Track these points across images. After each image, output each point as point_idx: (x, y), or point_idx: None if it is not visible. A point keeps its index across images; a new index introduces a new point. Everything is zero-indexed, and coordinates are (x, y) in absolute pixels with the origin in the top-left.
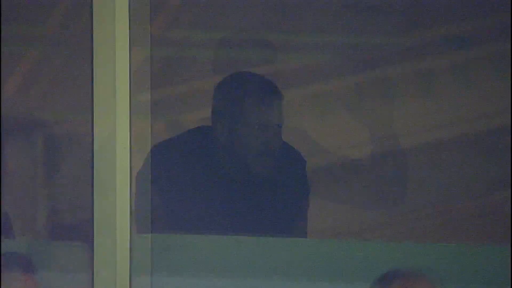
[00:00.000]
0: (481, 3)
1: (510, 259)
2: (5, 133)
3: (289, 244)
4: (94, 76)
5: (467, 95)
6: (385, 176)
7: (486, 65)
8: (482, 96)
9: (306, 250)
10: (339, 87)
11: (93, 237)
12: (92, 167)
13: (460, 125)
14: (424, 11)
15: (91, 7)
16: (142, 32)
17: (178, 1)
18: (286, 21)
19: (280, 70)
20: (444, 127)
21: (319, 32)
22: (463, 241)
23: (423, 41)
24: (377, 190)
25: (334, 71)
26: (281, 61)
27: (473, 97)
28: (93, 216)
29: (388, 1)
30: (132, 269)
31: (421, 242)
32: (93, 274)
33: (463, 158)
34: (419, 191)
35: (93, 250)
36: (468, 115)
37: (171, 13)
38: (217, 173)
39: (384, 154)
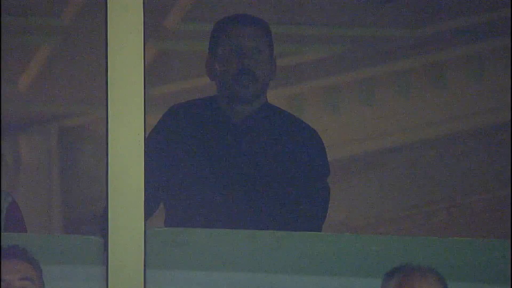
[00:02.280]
0: None
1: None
2: (19, 127)
3: (303, 238)
4: (108, 68)
5: (481, 88)
6: (400, 169)
7: (500, 58)
8: (495, 89)
9: (320, 244)
10: (352, 80)
11: (107, 230)
12: (107, 161)
13: (473, 118)
14: (435, 4)
15: (106, 0)
16: (156, 25)
17: None
18: (300, 14)
19: (295, 63)
20: (457, 120)
21: (333, 25)
22: (475, 236)
23: (437, 34)
24: (391, 183)
25: (348, 64)
26: (296, 54)
27: (487, 90)
28: (107, 209)
29: None
30: (146, 263)
31: (433, 236)
32: (107, 267)
33: (478, 151)
34: (432, 185)
35: (107, 244)
36: (481, 108)
37: (185, 6)
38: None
39: (398, 147)
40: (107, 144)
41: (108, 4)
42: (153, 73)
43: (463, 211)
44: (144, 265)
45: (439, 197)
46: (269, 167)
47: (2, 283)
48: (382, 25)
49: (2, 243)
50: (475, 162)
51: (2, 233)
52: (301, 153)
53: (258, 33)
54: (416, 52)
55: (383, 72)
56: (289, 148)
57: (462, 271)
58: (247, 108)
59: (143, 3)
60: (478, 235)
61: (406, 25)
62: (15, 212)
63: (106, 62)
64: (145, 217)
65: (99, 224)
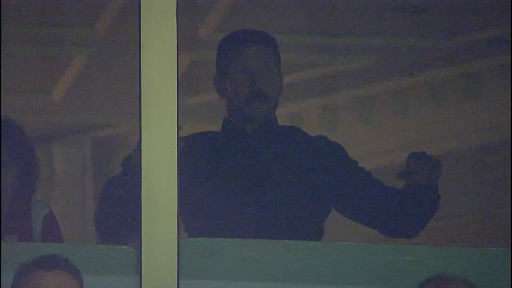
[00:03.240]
0: None
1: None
2: (54, 136)
3: (337, 248)
4: (141, 79)
5: None
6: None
7: None
8: None
9: (354, 254)
10: (386, 91)
11: (141, 240)
12: (140, 171)
13: (507, 127)
14: (472, 14)
15: (139, 11)
16: (189, 36)
17: (225, 5)
18: (333, 25)
19: (328, 74)
20: (491, 130)
21: (366, 35)
22: (508, 246)
23: (470, 44)
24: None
25: (382, 74)
26: (329, 65)
27: None
28: (141, 219)
29: (435, 4)
30: (180, 273)
31: (465, 246)
32: (141, 277)
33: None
34: (466, 195)
35: (141, 254)
36: None
37: (218, 17)
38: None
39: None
40: (140, 154)
41: (141, 14)
42: (186, 83)
43: (497, 221)
44: (178, 275)
45: (473, 207)
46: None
47: None
48: (416, 35)
49: (39, 253)
50: (509, 173)
51: (39, 243)
52: (327, 166)
53: (267, 51)
54: (450, 62)
55: (417, 82)
56: (318, 162)
57: (496, 281)
58: (257, 126)
59: (177, 13)
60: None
61: (440, 35)
62: (52, 222)
63: (139, 72)
64: (178, 227)
65: (131, 233)
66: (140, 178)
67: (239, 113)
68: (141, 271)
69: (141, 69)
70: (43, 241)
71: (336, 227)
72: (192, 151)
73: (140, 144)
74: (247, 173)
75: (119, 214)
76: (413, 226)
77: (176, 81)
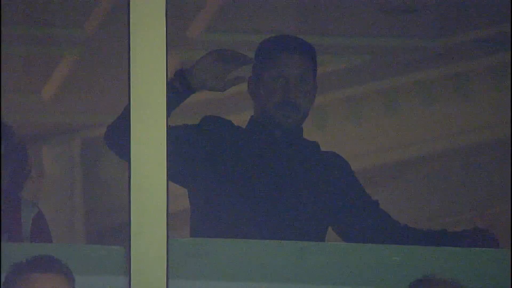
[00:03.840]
0: None
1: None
2: (42, 137)
3: (325, 249)
4: (130, 79)
5: (505, 98)
6: (422, 179)
7: None
8: None
9: (342, 254)
10: (374, 91)
11: (130, 240)
12: (129, 171)
13: (497, 127)
14: (461, 14)
15: (128, 10)
16: (178, 35)
17: (215, 5)
18: (322, 25)
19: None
20: (481, 130)
21: (355, 36)
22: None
23: (459, 44)
24: (413, 194)
25: (370, 74)
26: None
27: (509, 100)
28: (130, 219)
29: (424, 4)
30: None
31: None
32: (130, 277)
33: (501, 161)
34: (455, 195)
35: (130, 254)
36: (506, 118)
37: (208, 17)
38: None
39: (421, 158)
40: (129, 154)
41: (130, 15)
42: None
43: (485, 222)
44: (167, 275)
45: (462, 207)
46: (296, 188)
47: None
48: (405, 36)
49: (30, 253)
50: (497, 173)
51: (28, 243)
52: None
53: (304, 60)
54: (439, 62)
55: (405, 82)
56: (317, 173)
57: (484, 282)
58: (281, 134)
59: (166, 13)
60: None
61: (428, 35)
62: (41, 222)
63: (129, 72)
64: (167, 227)
65: (122, 234)
66: (129, 178)
67: (267, 119)
68: (130, 270)
69: (131, 69)
70: (32, 241)
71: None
72: (209, 135)
73: (130, 144)
74: (256, 175)
75: None
76: None
77: (165, 81)
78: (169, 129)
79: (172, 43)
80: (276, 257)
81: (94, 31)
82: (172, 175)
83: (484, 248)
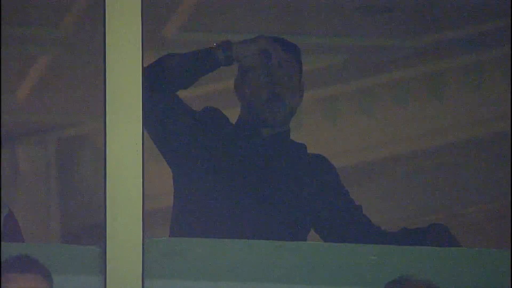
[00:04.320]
0: (490, 6)
1: (510, 263)
2: (19, 136)
3: (302, 248)
4: (106, 78)
5: (480, 98)
6: (398, 178)
7: (499, 67)
8: (494, 99)
9: (319, 253)
10: (351, 90)
11: (105, 240)
12: (105, 171)
13: (472, 127)
14: (435, 14)
15: (104, 10)
16: (154, 35)
17: (190, 4)
18: (299, 24)
19: None
20: (456, 129)
21: (332, 35)
22: (475, 245)
23: (435, 43)
24: (390, 193)
25: (347, 74)
26: None
27: (486, 100)
28: (105, 220)
29: (399, 4)
30: (144, 273)
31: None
32: (105, 277)
33: (477, 161)
34: (431, 194)
35: (105, 253)
36: (480, 117)
37: (183, 16)
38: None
39: (396, 157)
40: (105, 154)
41: (106, 14)
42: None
43: (462, 221)
44: (143, 275)
45: (438, 207)
46: (278, 186)
47: None
48: (380, 35)
49: (3, 254)
50: (474, 172)
51: (3, 243)
52: (312, 179)
53: (289, 58)
54: (415, 61)
55: (382, 81)
56: (301, 173)
57: (460, 281)
58: (268, 135)
59: (141, 12)
60: (476, 245)
61: (404, 34)
62: (11, 222)
63: (104, 72)
64: (143, 227)
65: (97, 234)
66: (104, 177)
67: (255, 117)
68: (105, 270)
69: (106, 69)
70: (4, 241)
71: None
72: (204, 125)
73: (105, 144)
74: (241, 173)
75: None
76: None
77: (141, 80)
78: (180, 103)
79: (148, 42)
80: (253, 256)
81: (70, 30)
82: (161, 143)
83: (483, 249)
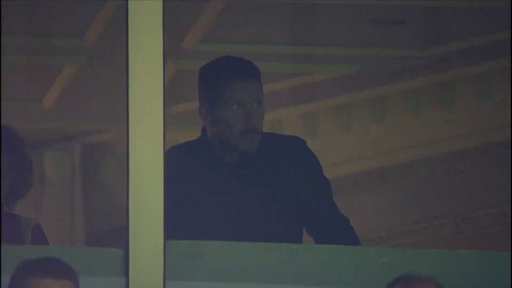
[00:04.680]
0: (498, 19)
1: (510, 266)
2: (44, 144)
3: (316, 251)
4: (129, 87)
5: (487, 107)
6: (409, 184)
7: (506, 77)
8: (501, 108)
9: (332, 256)
10: (363, 99)
11: (128, 243)
12: (127, 176)
13: (480, 135)
14: (444, 25)
15: (127, 21)
16: (175, 45)
17: (210, 17)
18: (313, 35)
19: (308, 83)
20: (465, 137)
21: (345, 46)
22: (482, 249)
23: (444, 54)
24: (401, 198)
25: (359, 83)
26: (309, 74)
27: (493, 108)
28: (128, 222)
29: (411, 16)
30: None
31: (436, 248)
32: (127, 279)
33: (485, 167)
34: (441, 199)
35: (128, 256)
36: (488, 126)
37: (203, 28)
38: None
39: (407, 163)
40: (127, 160)
41: (128, 26)
42: (172, 92)
43: (471, 225)
44: (164, 277)
45: (447, 211)
46: (272, 187)
47: None
48: (392, 46)
49: (28, 256)
50: (482, 178)
51: (28, 246)
52: (298, 170)
53: (256, 84)
54: (425, 71)
55: (393, 91)
56: (287, 166)
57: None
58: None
59: (163, 24)
60: (485, 248)
61: (415, 45)
62: (39, 233)
63: (127, 81)
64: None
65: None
66: (127, 182)
67: (230, 147)
68: (128, 272)
69: (129, 78)
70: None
71: None
72: (174, 165)
73: (128, 150)
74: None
75: None
76: None
77: (162, 89)
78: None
79: (169, 53)
80: (265, 259)
81: (94, 41)
82: None
83: (484, 251)
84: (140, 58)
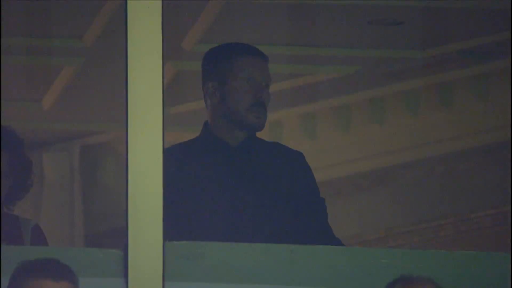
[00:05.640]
0: (496, 19)
1: (510, 266)
2: (43, 144)
3: (316, 252)
4: (128, 88)
5: (487, 107)
6: (408, 184)
7: (505, 78)
8: (501, 108)
9: (332, 257)
10: (363, 100)
11: (127, 243)
12: (126, 177)
13: (479, 135)
14: (443, 26)
15: (126, 22)
16: (173, 46)
17: (209, 18)
18: (312, 36)
19: (307, 83)
20: (464, 137)
21: (344, 47)
22: (481, 249)
23: (444, 55)
24: (401, 199)
25: (359, 84)
26: (308, 74)
27: (492, 109)
28: (127, 223)
29: (410, 17)
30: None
31: (436, 249)
32: (127, 279)
33: (484, 168)
34: (440, 200)
35: (127, 256)
36: (487, 126)
37: (202, 29)
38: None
39: (406, 164)
40: (127, 160)
41: (128, 26)
42: (171, 93)
43: (470, 225)
44: (163, 277)
45: (447, 212)
46: (267, 187)
47: None
48: (391, 47)
49: (27, 257)
50: (481, 178)
51: (27, 246)
52: (290, 176)
53: (266, 66)
54: (424, 72)
55: (393, 92)
56: (278, 170)
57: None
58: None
59: (162, 25)
60: (484, 248)
61: (414, 46)
62: (39, 234)
63: (126, 82)
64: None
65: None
66: (126, 183)
67: (237, 123)
68: (127, 273)
69: (128, 79)
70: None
71: None
72: (174, 164)
73: (127, 151)
74: (228, 180)
75: None
76: None
77: (161, 90)
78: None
79: (167, 54)
80: (265, 260)
81: (93, 42)
82: None
83: (482, 251)
84: (139, 59)
